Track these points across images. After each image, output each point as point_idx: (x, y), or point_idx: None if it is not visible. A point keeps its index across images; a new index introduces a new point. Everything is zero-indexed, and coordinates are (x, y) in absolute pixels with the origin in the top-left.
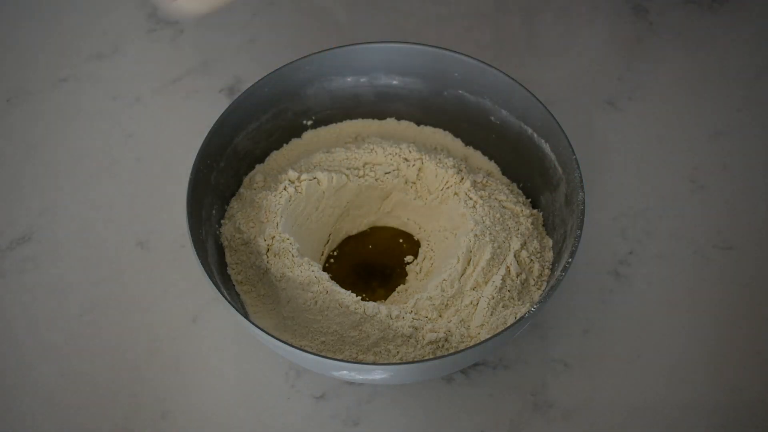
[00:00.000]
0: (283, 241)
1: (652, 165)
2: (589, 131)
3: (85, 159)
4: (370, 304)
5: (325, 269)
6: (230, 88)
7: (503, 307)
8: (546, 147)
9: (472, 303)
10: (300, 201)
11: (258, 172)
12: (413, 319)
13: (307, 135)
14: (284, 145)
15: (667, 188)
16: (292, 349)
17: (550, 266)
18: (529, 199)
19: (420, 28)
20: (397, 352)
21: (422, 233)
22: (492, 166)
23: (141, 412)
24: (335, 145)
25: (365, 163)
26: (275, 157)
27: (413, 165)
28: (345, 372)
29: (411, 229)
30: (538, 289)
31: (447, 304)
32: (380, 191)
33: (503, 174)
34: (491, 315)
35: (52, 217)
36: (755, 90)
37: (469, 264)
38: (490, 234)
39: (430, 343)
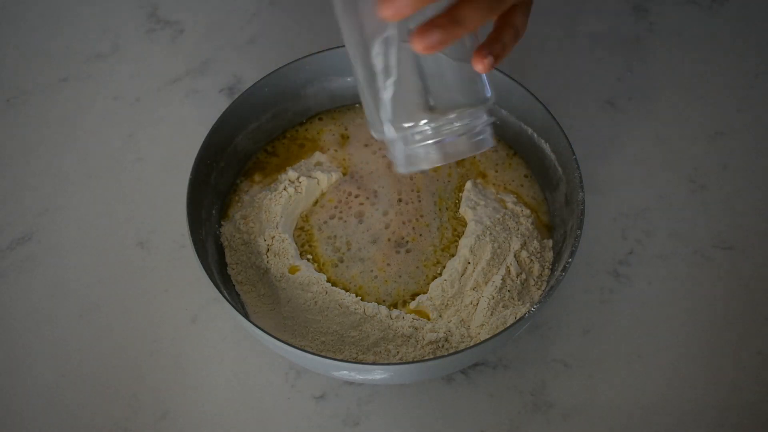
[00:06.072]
0: (283, 241)
1: (652, 165)
2: (589, 131)
3: (85, 159)
4: (370, 304)
5: None
6: (230, 88)
7: (503, 307)
8: (546, 147)
9: (472, 303)
10: (300, 201)
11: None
12: (413, 319)
13: None
14: None
15: (667, 188)
16: (292, 349)
17: (550, 266)
18: None
19: None
20: (397, 352)
21: None
22: None
23: (141, 412)
24: None
25: None
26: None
27: None
28: (345, 372)
29: None
30: (538, 289)
31: (447, 304)
32: None
33: None
34: (491, 315)
35: (52, 217)
36: (755, 90)
37: (469, 264)
38: (491, 234)
39: (430, 343)
